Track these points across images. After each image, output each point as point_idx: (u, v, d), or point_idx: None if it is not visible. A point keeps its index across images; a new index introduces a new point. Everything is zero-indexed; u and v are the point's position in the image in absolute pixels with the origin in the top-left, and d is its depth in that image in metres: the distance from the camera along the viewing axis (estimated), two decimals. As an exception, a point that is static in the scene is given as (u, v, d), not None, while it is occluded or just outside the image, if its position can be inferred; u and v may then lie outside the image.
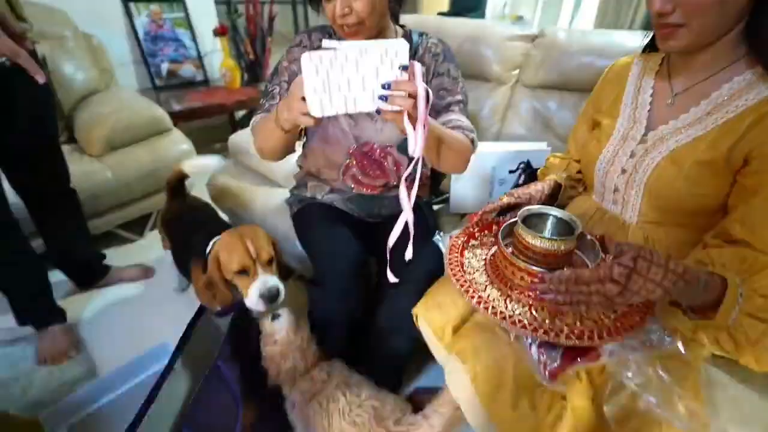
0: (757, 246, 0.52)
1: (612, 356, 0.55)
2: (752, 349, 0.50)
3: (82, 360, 1.11)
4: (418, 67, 0.53)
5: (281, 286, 0.81)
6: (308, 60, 0.51)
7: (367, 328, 0.89)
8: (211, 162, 1.18)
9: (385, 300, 0.87)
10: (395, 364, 0.95)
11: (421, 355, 0.94)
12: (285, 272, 0.91)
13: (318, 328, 0.85)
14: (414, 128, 0.55)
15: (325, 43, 0.55)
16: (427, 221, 0.97)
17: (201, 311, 0.88)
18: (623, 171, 0.65)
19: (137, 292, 1.37)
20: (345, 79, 0.53)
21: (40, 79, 0.78)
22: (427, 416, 0.72)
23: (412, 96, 0.53)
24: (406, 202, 0.60)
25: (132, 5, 2.00)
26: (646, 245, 0.65)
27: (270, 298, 0.78)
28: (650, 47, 0.67)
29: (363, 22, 0.73)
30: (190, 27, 2.17)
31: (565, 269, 0.55)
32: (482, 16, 4.59)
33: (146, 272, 1.42)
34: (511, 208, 0.78)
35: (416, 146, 0.55)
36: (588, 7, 3.96)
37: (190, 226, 1.01)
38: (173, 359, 0.81)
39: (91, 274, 1.33)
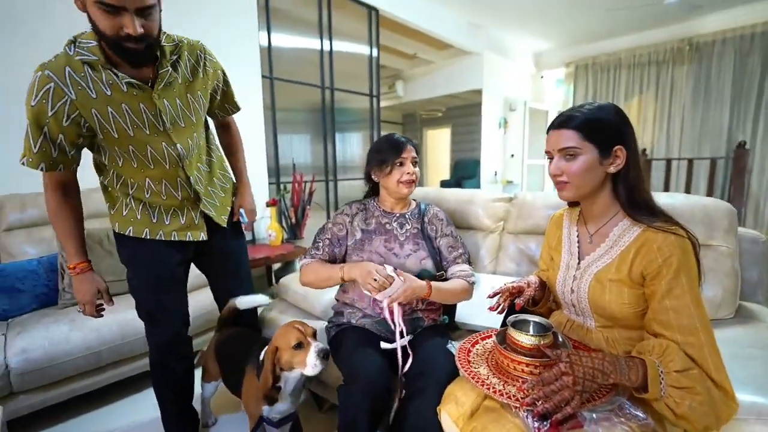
0: (668, 336, 0.74)
1: (591, 423, 0.70)
2: (683, 416, 0.67)
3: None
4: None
5: (327, 348, 1.06)
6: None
7: None
8: (259, 299, 1.42)
9: (408, 409, 1.00)
10: None
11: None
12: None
13: (345, 429, 0.96)
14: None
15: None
16: (443, 336, 1.18)
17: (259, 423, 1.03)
18: (572, 291, 0.90)
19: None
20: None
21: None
22: None
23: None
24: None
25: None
26: (599, 345, 0.86)
27: (324, 355, 1.03)
28: (571, 204, 1.02)
29: (415, 181, 1.24)
30: (247, 201, 2.80)
31: (529, 380, 0.75)
32: (478, 182, 5.53)
33: None
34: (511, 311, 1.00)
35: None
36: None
37: (244, 347, 1.22)
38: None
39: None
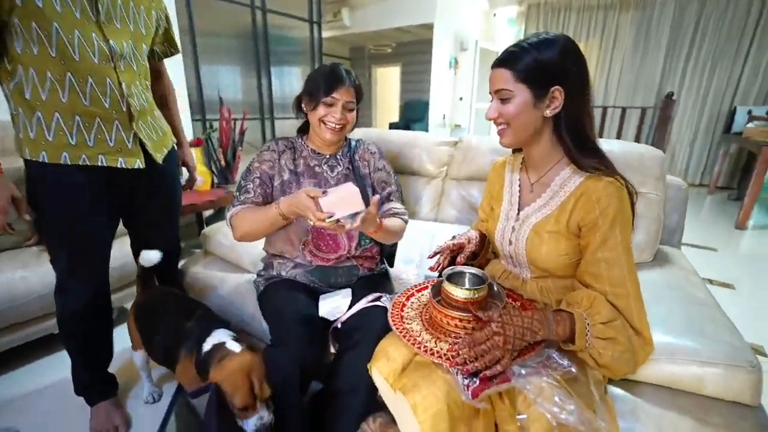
0: (597, 288, 0.73)
1: (519, 378, 0.69)
2: (605, 365, 0.68)
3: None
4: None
5: (272, 420, 0.85)
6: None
7: (326, 399, 0.96)
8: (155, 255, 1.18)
9: (341, 363, 0.96)
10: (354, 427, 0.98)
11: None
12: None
13: (276, 389, 0.88)
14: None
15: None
16: (379, 287, 1.11)
17: (178, 391, 0.89)
18: (510, 242, 0.87)
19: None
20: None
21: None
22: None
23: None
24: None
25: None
26: (533, 295, 0.85)
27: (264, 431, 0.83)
28: (515, 150, 0.95)
29: (345, 127, 1.06)
30: (167, 140, 2.45)
31: (463, 337, 0.72)
32: (426, 125, 5.40)
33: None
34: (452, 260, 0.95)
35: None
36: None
37: (172, 314, 1.05)
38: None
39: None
